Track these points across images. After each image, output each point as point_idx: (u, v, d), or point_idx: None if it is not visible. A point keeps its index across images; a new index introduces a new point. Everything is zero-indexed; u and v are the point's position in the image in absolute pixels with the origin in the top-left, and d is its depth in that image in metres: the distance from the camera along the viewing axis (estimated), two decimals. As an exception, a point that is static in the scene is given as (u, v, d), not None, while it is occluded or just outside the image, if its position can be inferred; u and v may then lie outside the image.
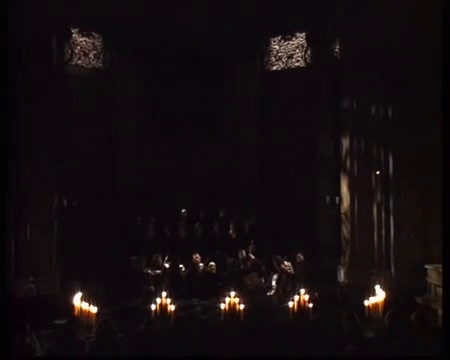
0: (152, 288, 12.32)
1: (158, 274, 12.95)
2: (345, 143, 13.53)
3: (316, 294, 11.25)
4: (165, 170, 15.74)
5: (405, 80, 12.23)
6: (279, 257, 13.32)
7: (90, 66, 15.54)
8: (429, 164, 12.11)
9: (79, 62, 15.25)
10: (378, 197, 12.95)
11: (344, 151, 13.57)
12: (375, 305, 10.26)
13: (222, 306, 10.05)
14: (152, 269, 13.07)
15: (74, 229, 13.68)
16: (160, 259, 13.34)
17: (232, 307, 9.97)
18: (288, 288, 12.58)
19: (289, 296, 10.69)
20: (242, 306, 9.99)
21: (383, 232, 12.87)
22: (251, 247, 13.97)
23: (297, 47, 15.94)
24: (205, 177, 15.56)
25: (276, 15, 15.16)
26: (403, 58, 12.28)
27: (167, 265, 13.20)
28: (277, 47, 16.28)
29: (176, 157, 15.91)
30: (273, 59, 16.36)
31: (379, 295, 10.51)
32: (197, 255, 13.33)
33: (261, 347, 7.78)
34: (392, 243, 12.73)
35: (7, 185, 9.46)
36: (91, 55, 15.52)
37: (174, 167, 15.78)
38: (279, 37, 16.21)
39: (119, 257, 13.42)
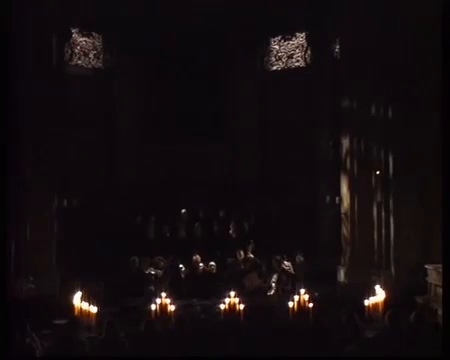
0: (152, 288, 12.31)
1: (158, 274, 12.95)
2: (345, 143, 13.53)
3: (316, 294, 11.26)
4: (165, 170, 15.73)
5: (405, 80, 12.23)
6: (279, 257, 13.32)
7: (90, 66, 15.51)
8: (429, 164, 12.10)
9: (79, 62, 15.23)
10: (378, 197, 12.94)
11: (344, 151, 13.57)
12: (375, 305, 10.26)
13: (222, 306, 10.05)
14: (153, 269, 13.06)
15: (74, 229, 13.69)
16: (161, 260, 13.34)
17: (232, 307, 9.97)
18: (288, 288, 12.58)
19: (289, 296, 10.70)
20: (242, 306, 9.99)
21: (383, 232, 12.87)
22: (251, 247, 13.96)
23: (297, 47, 15.92)
24: (205, 177, 15.54)
25: (276, 15, 15.17)
26: (403, 58, 12.28)
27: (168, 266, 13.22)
28: (277, 47, 16.26)
29: (176, 157, 15.89)
30: (273, 59, 16.33)
31: (379, 295, 10.51)
32: (197, 255, 13.34)
33: (261, 347, 7.78)
34: (392, 243, 12.72)
35: (7, 185, 9.45)
36: (91, 55, 15.50)
37: (174, 167, 15.76)
38: (279, 37, 16.18)
39: (119, 257, 13.41)
